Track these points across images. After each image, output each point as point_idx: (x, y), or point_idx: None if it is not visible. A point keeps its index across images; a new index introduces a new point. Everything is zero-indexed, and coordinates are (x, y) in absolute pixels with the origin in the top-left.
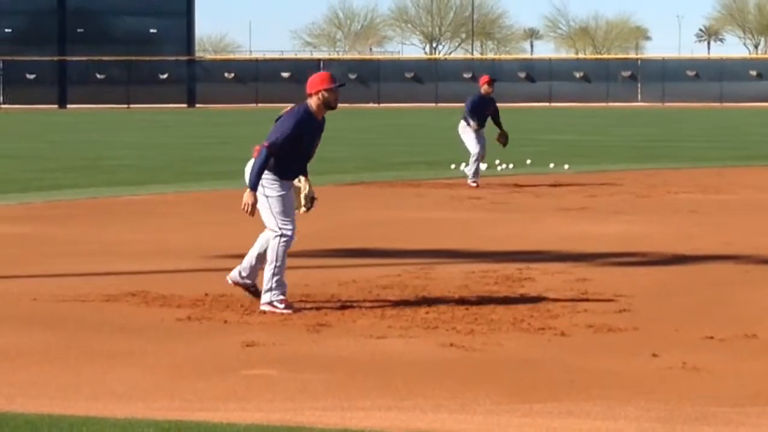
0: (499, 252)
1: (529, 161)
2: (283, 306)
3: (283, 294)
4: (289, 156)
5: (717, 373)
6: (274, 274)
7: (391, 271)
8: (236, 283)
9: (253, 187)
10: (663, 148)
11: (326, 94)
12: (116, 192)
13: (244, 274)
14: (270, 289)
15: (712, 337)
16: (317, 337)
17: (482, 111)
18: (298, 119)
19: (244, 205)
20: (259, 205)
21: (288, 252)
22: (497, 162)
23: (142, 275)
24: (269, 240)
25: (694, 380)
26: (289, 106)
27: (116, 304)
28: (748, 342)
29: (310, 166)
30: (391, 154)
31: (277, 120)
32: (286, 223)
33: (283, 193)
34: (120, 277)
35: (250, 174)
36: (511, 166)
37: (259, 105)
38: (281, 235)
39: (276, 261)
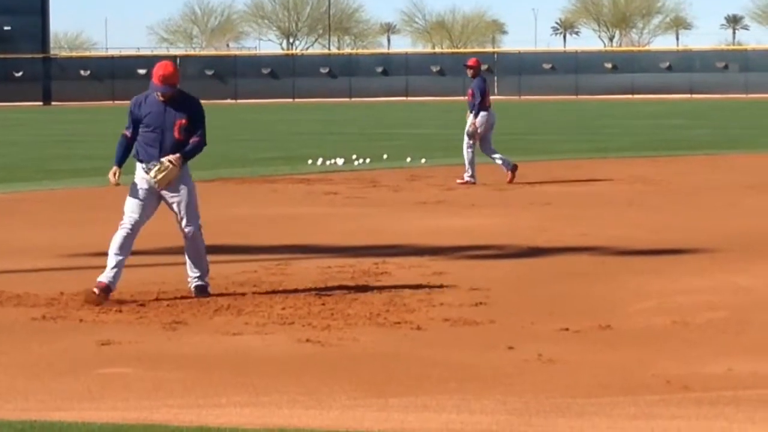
0: (356, 247)
1: (385, 156)
2: None
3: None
4: None
5: (572, 365)
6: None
7: (248, 267)
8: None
9: None
10: (519, 141)
11: None
12: None
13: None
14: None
15: (567, 329)
16: (173, 335)
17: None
18: None
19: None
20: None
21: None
22: (354, 157)
23: None
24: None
25: (549, 372)
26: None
27: None
28: (603, 333)
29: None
30: (247, 150)
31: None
32: None
33: None
34: None
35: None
36: (368, 160)
37: (116, 102)
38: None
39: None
